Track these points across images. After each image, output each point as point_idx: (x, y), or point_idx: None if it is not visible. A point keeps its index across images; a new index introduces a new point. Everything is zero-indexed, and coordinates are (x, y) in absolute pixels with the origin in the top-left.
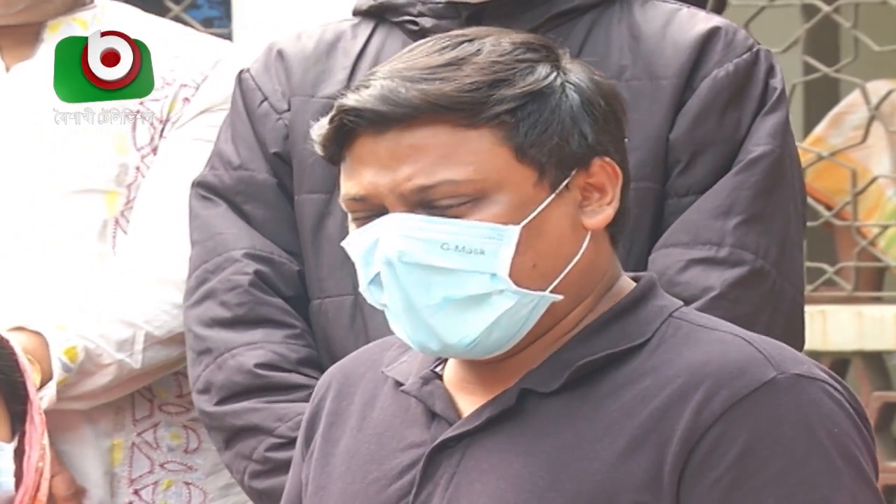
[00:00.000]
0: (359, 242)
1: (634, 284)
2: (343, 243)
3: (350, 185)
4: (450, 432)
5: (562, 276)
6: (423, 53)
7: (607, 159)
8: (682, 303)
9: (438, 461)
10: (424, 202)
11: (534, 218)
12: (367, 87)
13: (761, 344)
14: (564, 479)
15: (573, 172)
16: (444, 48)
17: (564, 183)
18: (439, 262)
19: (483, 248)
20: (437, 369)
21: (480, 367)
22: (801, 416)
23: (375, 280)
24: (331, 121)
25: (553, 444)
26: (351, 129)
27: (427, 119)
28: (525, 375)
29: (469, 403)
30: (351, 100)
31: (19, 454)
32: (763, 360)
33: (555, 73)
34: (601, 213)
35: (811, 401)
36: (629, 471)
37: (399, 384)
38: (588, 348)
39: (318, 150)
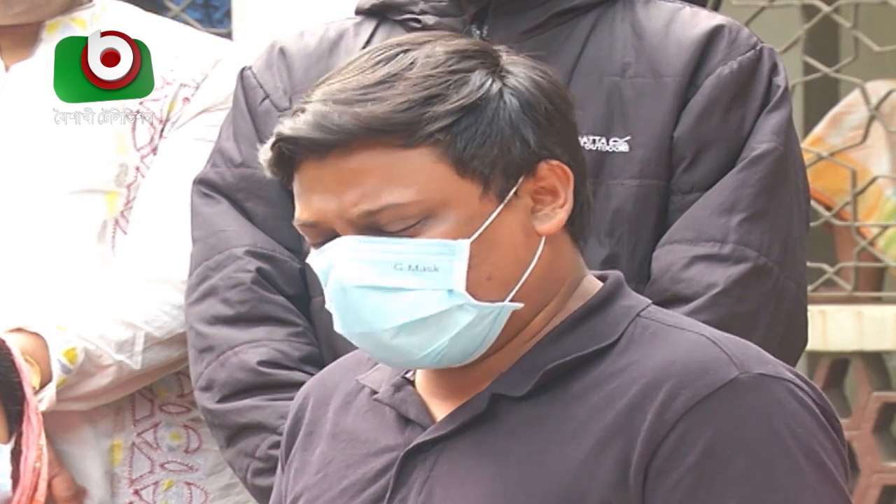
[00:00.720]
0: (317, 265)
1: (601, 284)
2: (308, 260)
3: (300, 209)
4: (423, 436)
5: (519, 284)
6: (358, 70)
7: (554, 162)
8: (649, 301)
9: (412, 465)
10: (373, 226)
11: (484, 231)
12: (302, 111)
13: (726, 343)
14: (533, 482)
15: (520, 180)
16: (378, 63)
17: (512, 192)
18: (394, 282)
19: (436, 264)
20: (408, 375)
21: (451, 373)
22: (765, 416)
23: None
24: (271, 148)
25: (523, 448)
26: (291, 156)
27: (364, 143)
28: (496, 380)
29: (442, 408)
30: (286, 127)
31: (16, 455)
32: (726, 360)
33: (490, 81)
34: (554, 218)
35: (775, 400)
36: (596, 473)
37: (373, 392)
38: (556, 351)
39: (268, 173)
